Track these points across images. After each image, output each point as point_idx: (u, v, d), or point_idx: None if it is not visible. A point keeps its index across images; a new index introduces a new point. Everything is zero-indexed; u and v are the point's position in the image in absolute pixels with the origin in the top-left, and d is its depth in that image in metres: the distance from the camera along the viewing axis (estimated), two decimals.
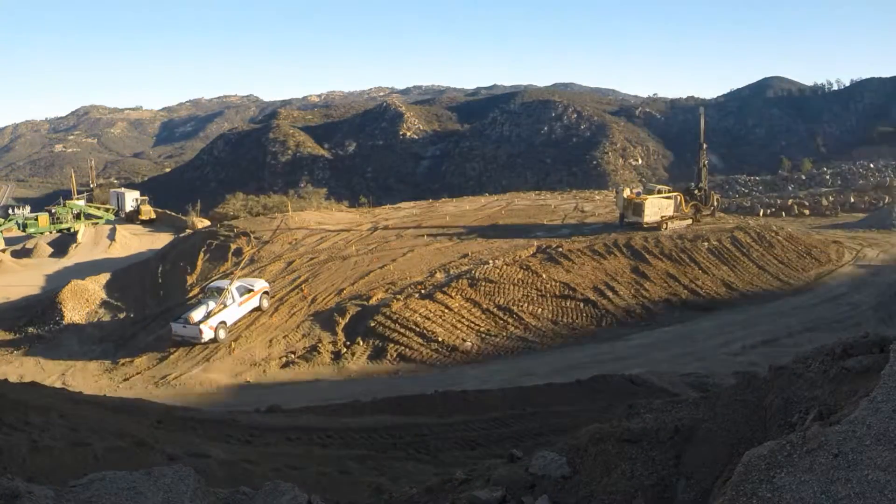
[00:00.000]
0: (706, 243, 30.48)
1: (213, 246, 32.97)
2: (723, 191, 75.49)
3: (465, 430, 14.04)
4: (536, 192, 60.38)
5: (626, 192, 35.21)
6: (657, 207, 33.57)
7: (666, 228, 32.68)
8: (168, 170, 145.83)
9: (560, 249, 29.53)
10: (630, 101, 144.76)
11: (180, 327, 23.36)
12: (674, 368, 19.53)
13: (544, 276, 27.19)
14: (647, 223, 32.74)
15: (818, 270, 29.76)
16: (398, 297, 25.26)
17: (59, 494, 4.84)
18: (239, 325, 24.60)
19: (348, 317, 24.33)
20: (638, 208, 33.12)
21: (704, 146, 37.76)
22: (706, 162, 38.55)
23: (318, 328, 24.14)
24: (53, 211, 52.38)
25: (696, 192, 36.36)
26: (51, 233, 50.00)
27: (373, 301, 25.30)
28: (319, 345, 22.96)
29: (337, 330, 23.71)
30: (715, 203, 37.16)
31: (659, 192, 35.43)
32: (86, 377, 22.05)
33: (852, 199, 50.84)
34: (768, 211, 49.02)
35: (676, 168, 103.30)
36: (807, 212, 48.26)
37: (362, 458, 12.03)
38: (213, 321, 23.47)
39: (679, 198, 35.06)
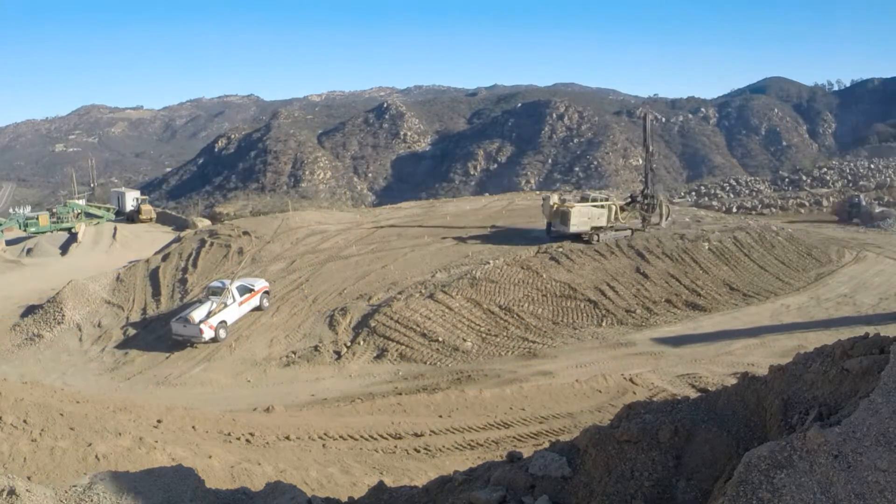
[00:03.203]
0: (707, 243, 30.49)
1: (214, 245, 32.98)
2: (723, 191, 75.56)
3: (466, 429, 14.06)
4: (537, 192, 60.37)
5: (553, 200, 32.42)
6: (586, 217, 30.91)
7: (598, 240, 30.49)
8: (168, 169, 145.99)
9: (561, 249, 29.55)
10: (631, 102, 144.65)
11: (181, 327, 23.36)
12: None
13: (545, 275, 27.20)
14: (573, 233, 30.59)
15: (818, 271, 29.77)
16: (399, 296, 25.26)
17: (59, 494, 4.84)
18: (240, 324, 24.62)
19: (349, 317, 24.35)
20: (564, 217, 30.72)
21: (651, 150, 35.21)
22: (654, 167, 35.54)
23: (319, 328, 24.16)
24: (55, 210, 52.48)
25: (641, 199, 33.30)
26: (52, 232, 50.05)
27: (374, 301, 25.32)
28: (320, 344, 22.99)
29: (338, 330, 23.73)
30: (664, 211, 33.08)
31: (593, 199, 32.83)
32: (86, 377, 22.07)
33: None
34: (769, 211, 48.98)
35: (686, 170, 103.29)
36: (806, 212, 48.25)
37: (362, 458, 12.04)
38: (214, 321, 23.49)
39: (614, 206, 32.21)
